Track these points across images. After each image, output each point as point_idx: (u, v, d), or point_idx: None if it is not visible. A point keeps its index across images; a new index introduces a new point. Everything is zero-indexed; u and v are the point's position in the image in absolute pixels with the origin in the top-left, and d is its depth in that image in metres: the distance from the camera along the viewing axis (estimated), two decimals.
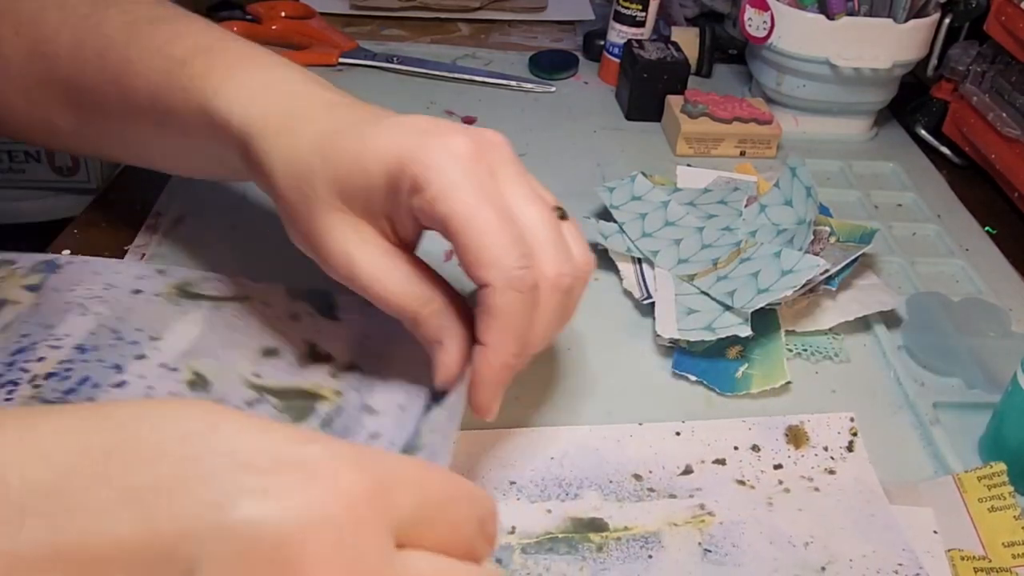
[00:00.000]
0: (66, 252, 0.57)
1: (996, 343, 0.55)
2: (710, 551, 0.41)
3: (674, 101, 0.76)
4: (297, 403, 0.44)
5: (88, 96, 0.47)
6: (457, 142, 0.38)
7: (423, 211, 0.37)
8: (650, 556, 0.41)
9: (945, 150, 0.79)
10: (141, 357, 0.44)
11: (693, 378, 0.51)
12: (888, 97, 0.79)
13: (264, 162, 0.41)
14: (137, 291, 0.48)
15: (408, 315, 0.40)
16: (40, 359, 0.42)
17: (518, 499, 0.43)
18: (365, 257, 0.39)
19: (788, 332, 0.54)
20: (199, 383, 0.43)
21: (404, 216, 0.39)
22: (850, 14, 0.73)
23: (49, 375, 0.41)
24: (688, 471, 0.45)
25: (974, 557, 0.42)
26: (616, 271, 0.59)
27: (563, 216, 0.41)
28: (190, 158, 0.50)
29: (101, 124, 0.49)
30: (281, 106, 0.41)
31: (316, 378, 0.45)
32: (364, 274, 0.39)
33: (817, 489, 0.45)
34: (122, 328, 0.45)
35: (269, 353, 0.46)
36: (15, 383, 0.41)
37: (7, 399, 0.40)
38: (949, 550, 0.42)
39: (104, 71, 0.46)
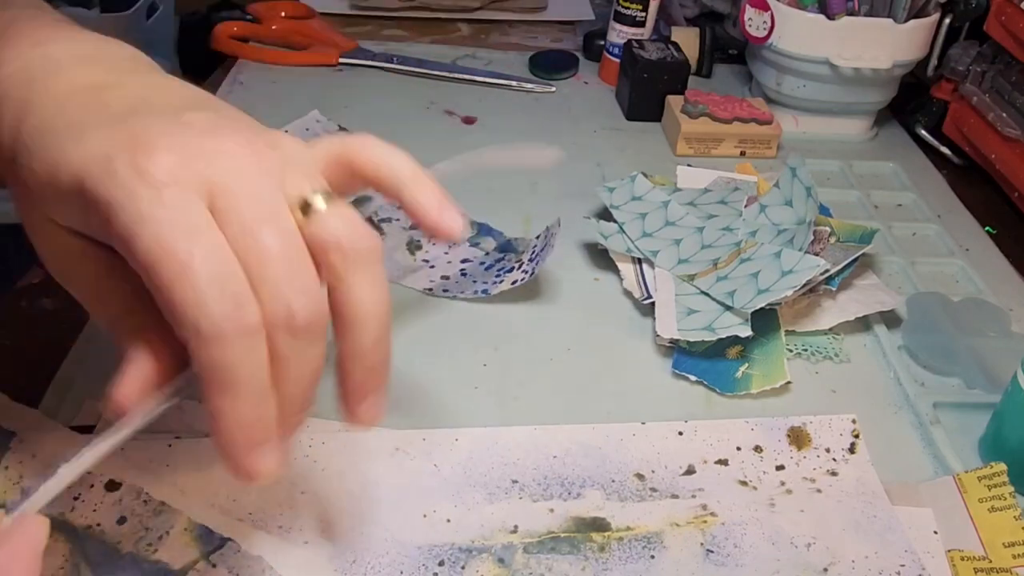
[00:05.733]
0: None
1: (996, 343, 0.55)
2: (712, 552, 0.41)
3: (674, 101, 0.76)
4: None
5: None
6: (154, 162, 0.30)
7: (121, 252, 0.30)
8: (652, 556, 0.41)
9: (945, 150, 0.79)
10: None
11: (693, 378, 0.51)
12: (888, 97, 0.79)
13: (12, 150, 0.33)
14: None
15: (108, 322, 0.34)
16: None
17: (520, 498, 0.43)
18: (75, 275, 0.34)
19: (788, 332, 0.55)
20: None
21: None
22: (850, 14, 0.73)
23: None
24: (691, 471, 0.45)
25: (974, 557, 0.42)
26: (616, 271, 0.59)
27: (327, 200, 0.32)
28: None
29: None
30: (25, 90, 0.34)
31: None
32: (76, 290, 0.34)
33: (819, 490, 0.45)
34: None
35: None
36: None
37: None
38: (949, 550, 0.42)
39: None
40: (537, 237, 0.58)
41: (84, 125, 0.32)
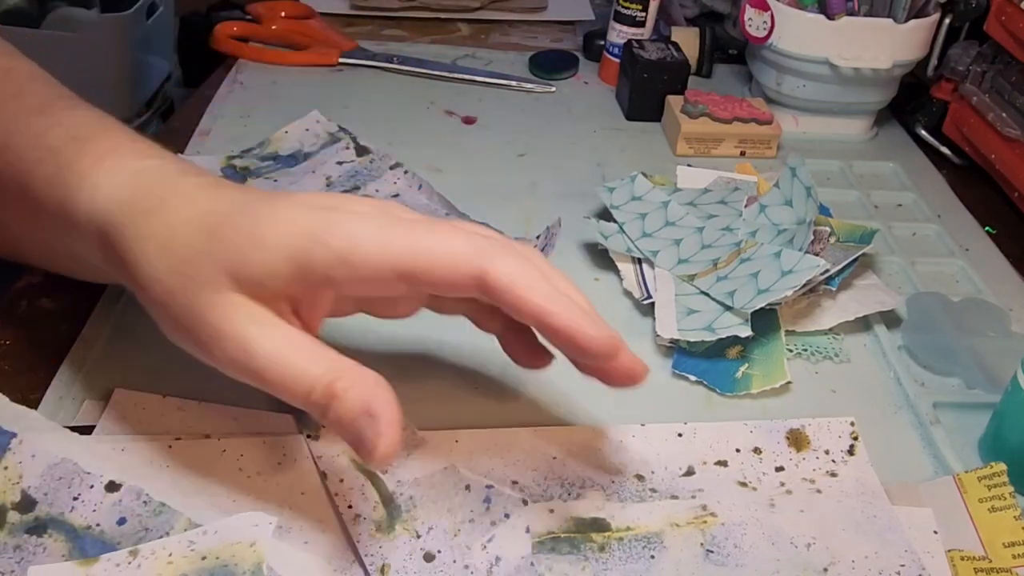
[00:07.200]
0: None
1: (996, 343, 0.55)
2: (712, 552, 0.41)
3: (674, 101, 0.76)
4: None
5: None
6: (365, 209, 0.36)
7: (343, 282, 0.35)
8: (652, 556, 0.41)
9: (945, 150, 0.79)
10: None
11: (693, 378, 0.51)
12: (888, 97, 0.79)
13: (132, 249, 0.36)
14: None
15: (320, 394, 0.35)
16: None
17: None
18: (263, 337, 0.35)
19: (788, 332, 0.55)
20: None
21: (314, 296, 0.37)
22: (850, 14, 0.73)
23: None
24: (690, 472, 0.45)
25: (974, 557, 0.42)
26: (616, 271, 0.59)
27: None
28: (57, 256, 0.47)
29: None
30: (151, 190, 0.38)
31: None
32: (262, 355, 0.35)
33: (819, 491, 0.45)
34: None
35: None
36: None
37: None
38: (949, 551, 0.42)
39: None
40: (537, 237, 0.58)
41: (262, 201, 0.37)
